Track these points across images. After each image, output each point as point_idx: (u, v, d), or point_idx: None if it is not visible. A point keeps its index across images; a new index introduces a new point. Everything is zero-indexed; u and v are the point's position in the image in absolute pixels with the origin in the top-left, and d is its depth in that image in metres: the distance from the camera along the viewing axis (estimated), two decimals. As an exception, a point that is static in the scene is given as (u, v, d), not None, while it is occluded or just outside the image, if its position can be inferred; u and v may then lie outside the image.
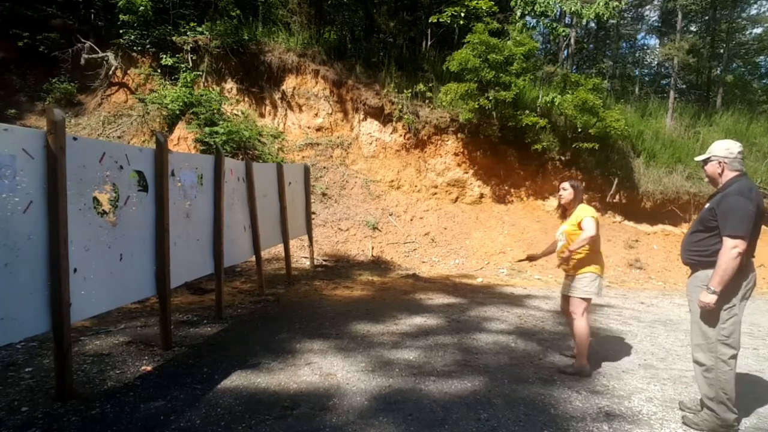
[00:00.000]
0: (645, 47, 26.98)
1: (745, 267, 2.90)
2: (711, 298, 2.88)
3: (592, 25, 20.80)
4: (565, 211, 4.14)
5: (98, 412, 3.05)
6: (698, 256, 3.09)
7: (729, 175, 3.04)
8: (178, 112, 9.91)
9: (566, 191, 4.07)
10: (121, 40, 10.97)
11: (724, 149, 3.06)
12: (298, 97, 11.32)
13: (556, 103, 10.61)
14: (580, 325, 3.92)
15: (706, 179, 3.23)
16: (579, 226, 3.86)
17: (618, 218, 11.23)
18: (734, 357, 2.97)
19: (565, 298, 4.09)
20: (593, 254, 3.90)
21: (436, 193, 11.00)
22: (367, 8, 12.67)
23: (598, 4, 10.22)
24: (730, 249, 2.84)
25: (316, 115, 11.31)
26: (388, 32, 12.72)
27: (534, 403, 3.43)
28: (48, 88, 10.60)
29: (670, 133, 13.23)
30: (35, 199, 2.90)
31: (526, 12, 10.86)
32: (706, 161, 3.14)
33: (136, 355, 4.07)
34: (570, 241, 3.90)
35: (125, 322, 4.98)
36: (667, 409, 3.40)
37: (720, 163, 3.05)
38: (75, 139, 3.23)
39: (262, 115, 11.36)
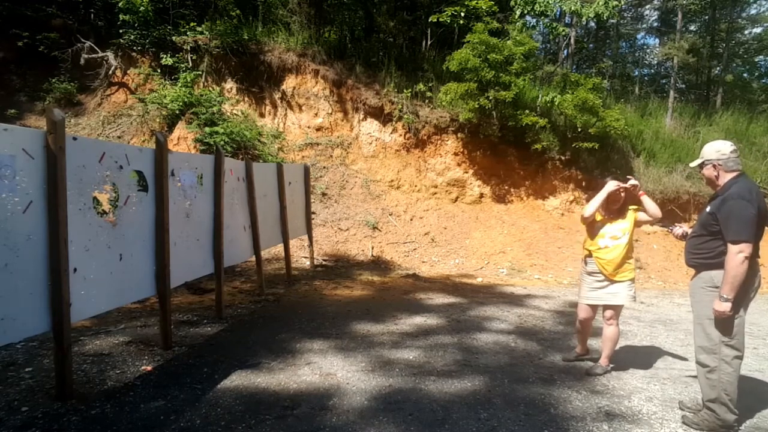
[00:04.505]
0: (645, 47, 27.02)
1: (750, 269, 2.87)
2: (725, 306, 2.85)
3: (592, 24, 20.80)
4: (616, 209, 3.89)
5: (98, 412, 3.06)
6: (702, 259, 3.06)
7: (726, 176, 3.01)
8: (178, 112, 9.90)
9: (624, 194, 3.84)
10: (121, 40, 10.96)
11: (715, 152, 3.04)
12: (298, 97, 11.31)
13: (556, 103, 10.60)
14: (616, 331, 3.95)
15: (705, 182, 3.22)
16: (636, 223, 3.86)
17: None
18: (738, 358, 2.96)
19: (592, 308, 4.01)
20: (631, 258, 3.91)
21: (436, 193, 11.00)
22: (367, 8, 12.66)
23: (598, 3, 10.20)
24: (736, 254, 2.81)
25: (316, 115, 11.31)
26: (388, 32, 12.70)
27: (534, 403, 3.43)
28: (48, 88, 10.59)
29: (669, 133, 13.24)
30: (35, 199, 2.90)
31: (526, 11, 10.84)
32: (701, 166, 3.13)
33: (136, 355, 4.07)
34: (631, 240, 3.84)
35: (125, 322, 4.98)
36: (667, 409, 3.40)
37: (715, 166, 3.03)
38: (75, 139, 3.23)
39: (262, 115, 11.35)
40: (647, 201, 3.83)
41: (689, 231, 3.36)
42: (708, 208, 3.05)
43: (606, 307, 3.94)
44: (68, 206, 3.07)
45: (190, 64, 11.02)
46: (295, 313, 5.59)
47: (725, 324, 2.93)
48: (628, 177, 3.91)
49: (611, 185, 3.79)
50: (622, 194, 3.83)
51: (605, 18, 10.57)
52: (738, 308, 2.91)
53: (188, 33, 11.05)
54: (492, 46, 9.97)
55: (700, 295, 3.06)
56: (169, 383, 3.54)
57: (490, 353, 4.48)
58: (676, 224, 3.67)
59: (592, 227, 3.93)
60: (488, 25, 10.32)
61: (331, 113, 11.29)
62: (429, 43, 12.93)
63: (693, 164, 3.24)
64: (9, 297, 2.74)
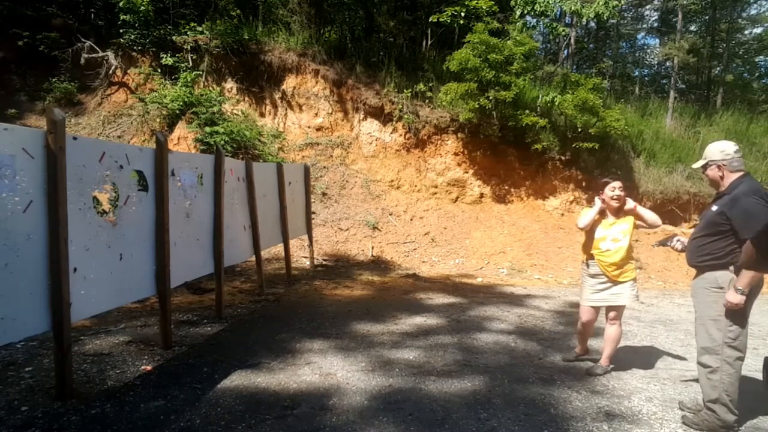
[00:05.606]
0: (645, 47, 27.04)
1: None
2: (740, 299, 2.83)
3: (592, 24, 20.82)
4: (616, 209, 3.88)
5: (98, 412, 3.06)
6: (710, 260, 3.02)
7: (732, 176, 2.99)
8: (178, 111, 9.91)
9: (622, 192, 3.84)
10: (122, 40, 10.97)
11: (719, 152, 3.02)
12: (298, 97, 11.32)
13: (556, 103, 10.60)
14: (619, 331, 3.95)
15: (708, 182, 3.20)
16: (635, 225, 3.88)
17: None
18: (740, 359, 2.95)
19: (595, 310, 3.99)
20: (632, 258, 3.91)
21: (436, 193, 11.00)
22: (367, 8, 12.67)
23: (598, 3, 10.20)
24: None
25: (316, 114, 11.31)
26: (388, 32, 12.71)
27: (534, 403, 3.43)
28: (48, 87, 10.60)
29: (670, 133, 13.24)
30: (35, 199, 2.90)
31: (526, 11, 10.84)
32: (705, 166, 3.10)
33: (136, 355, 4.07)
34: (631, 240, 3.85)
35: (125, 322, 4.98)
36: (666, 409, 3.40)
37: (719, 167, 3.01)
38: (75, 138, 3.23)
39: (262, 115, 11.36)
40: (643, 212, 3.84)
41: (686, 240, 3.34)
42: (715, 207, 3.01)
43: (609, 308, 3.94)
44: (68, 206, 3.07)
45: (191, 64, 11.02)
46: (295, 313, 5.58)
47: (734, 318, 2.90)
48: (606, 180, 3.90)
49: (597, 205, 3.87)
50: (619, 195, 3.82)
51: (605, 18, 10.58)
52: (746, 307, 2.90)
53: (188, 33, 11.06)
54: (492, 46, 9.97)
55: (703, 295, 3.04)
56: (169, 383, 3.54)
57: (490, 353, 4.48)
58: (673, 238, 3.53)
59: (593, 230, 3.93)
60: (488, 25, 10.32)
61: (331, 113, 11.29)
62: (429, 43, 12.93)
63: (696, 165, 3.21)
64: (9, 296, 2.74)
